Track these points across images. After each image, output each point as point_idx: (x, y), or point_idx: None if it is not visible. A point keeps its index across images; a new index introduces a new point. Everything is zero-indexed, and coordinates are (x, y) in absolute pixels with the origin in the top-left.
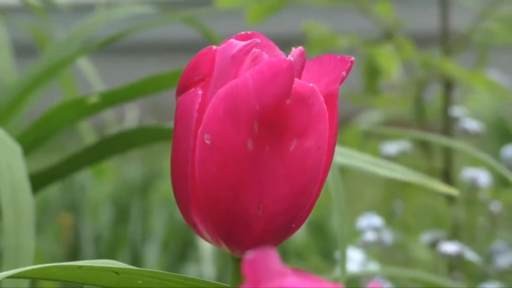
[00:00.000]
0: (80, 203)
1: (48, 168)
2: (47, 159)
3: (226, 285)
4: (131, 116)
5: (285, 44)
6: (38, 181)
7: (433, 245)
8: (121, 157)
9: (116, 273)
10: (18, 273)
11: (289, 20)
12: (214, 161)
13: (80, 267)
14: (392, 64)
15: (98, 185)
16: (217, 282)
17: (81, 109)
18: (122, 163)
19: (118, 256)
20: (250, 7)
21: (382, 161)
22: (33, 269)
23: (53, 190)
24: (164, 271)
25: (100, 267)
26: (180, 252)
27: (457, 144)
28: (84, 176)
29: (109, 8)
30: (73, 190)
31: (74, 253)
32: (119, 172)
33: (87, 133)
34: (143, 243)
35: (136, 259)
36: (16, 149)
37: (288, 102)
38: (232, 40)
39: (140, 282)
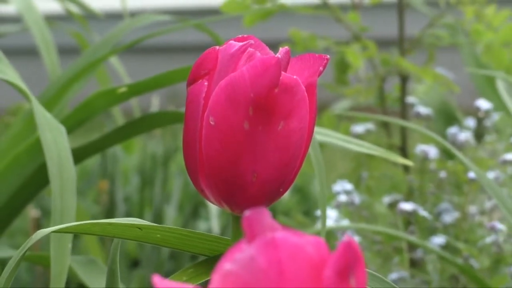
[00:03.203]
0: (114, 172)
1: (89, 143)
2: (89, 136)
3: (227, 238)
4: (155, 102)
5: (274, 45)
6: (82, 154)
7: (393, 205)
8: (146, 135)
9: (139, 228)
10: (62, 229)
11: (278, 26)
12: (217, 138)
13: (111, 224)
14: (358, 61)
15: (128, 157)
16: (219, 236)
17: (112, 97)
18: (147, 140)
19: (144, 215)
20: (247, 14)
21: (352, 139)
22: (74, 226)
23: (93, 161)
24: (178, 227)
25: (126, 224)
26: (193, 211)
27: (411, 125)
28: (117, 150)
29: (134, 16)
30: (109, 162)
31: (110, 212)
32: (145, 147)
33: (119, 116)
34: (164, 204)
35: (158, 217)
36: (61, 129)
37: (276, 91)
38: (231, 41)
39: (158, 236)
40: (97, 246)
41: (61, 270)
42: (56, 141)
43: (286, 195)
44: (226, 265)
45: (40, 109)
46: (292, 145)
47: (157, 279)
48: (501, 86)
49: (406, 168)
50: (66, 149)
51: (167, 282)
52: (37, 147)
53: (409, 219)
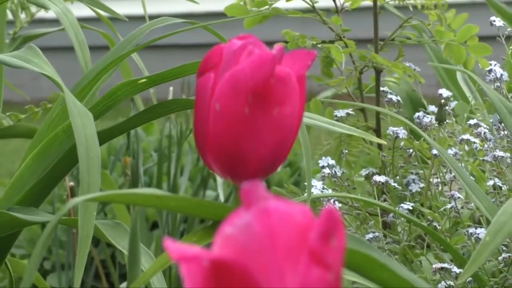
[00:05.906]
0: (137, 149)
1: (116, 126)
2: (116, 119)
3: (230, 205)
4: (171, 91)
5: (270, 44)
6: (110, 134)
7: (369, 177)
8: (163, 119)
9: (157, 197)
10: (92, 198)
11: (273, 27)
12: (222, 122)
13: (133, 193)
14: (341, 56)
15: (148, 137)
16: (224, 203)
17: (134, 87)
18: (164, 123)
19: (162, 186)
20: (246, 18)
21: (335, 122)
22: (103, 195)
23: (120, 141)
24: (189, 196)
25: (146, 193)
26: (202, 182)
27: (384, 110)
28: (139, 132)
29: (152, 19)
30: (132, 141)
31: (133, 183)
32: (162, 129)
33: (140, 103)
34: (178, 176)
35: (173, 187)
36: (89, 115)
37: (272, 81)
38: (234, 40)
39: (173, 203)
40: (124, 211)
41: (87, 234)
42: (84, 125)
43: (280, 168)
44: (227, 230)
45: (72, 98)
46: (285, 127)
47: (168, 242)
48: (460, 78)
49: (380, 146)
50: (93, 132)
51: (176, 244)
52: (72, 129)
53: (382, 189)
